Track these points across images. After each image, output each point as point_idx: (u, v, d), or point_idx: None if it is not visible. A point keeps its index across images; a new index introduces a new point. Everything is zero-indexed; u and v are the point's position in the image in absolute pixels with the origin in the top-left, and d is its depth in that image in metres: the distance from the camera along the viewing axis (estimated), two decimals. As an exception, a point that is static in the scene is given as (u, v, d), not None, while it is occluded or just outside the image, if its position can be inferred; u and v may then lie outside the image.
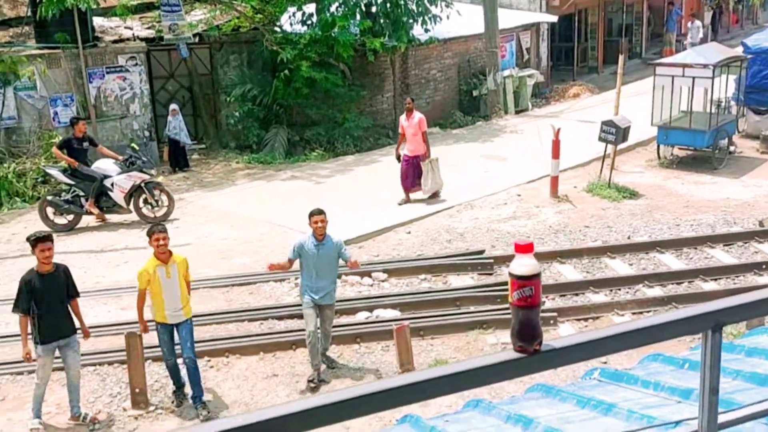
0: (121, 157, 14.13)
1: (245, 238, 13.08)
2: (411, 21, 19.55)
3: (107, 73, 17.67)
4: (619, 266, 11.57)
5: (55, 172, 14.21)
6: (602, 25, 27.43)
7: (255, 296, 10.95)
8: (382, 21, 19.27)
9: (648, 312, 10.14)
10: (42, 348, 7.74)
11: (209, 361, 9.15)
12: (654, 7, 30.06)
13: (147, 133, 18.20)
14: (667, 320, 2.06)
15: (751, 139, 17.83)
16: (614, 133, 14.29)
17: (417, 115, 13.94)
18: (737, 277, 11.09)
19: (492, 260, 11.58)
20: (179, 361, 8.44)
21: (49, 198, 13.95)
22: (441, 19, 19.87)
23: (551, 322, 9.86)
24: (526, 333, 1.85)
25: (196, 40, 18.91)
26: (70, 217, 13.89)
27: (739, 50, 18.18)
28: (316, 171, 17.23)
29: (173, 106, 17.65)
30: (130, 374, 8.44)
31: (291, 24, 19.60)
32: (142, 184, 13.89)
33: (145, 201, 14.01)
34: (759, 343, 3.66)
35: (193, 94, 19.70)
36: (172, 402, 8.44)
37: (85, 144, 14.10)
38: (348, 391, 1.58)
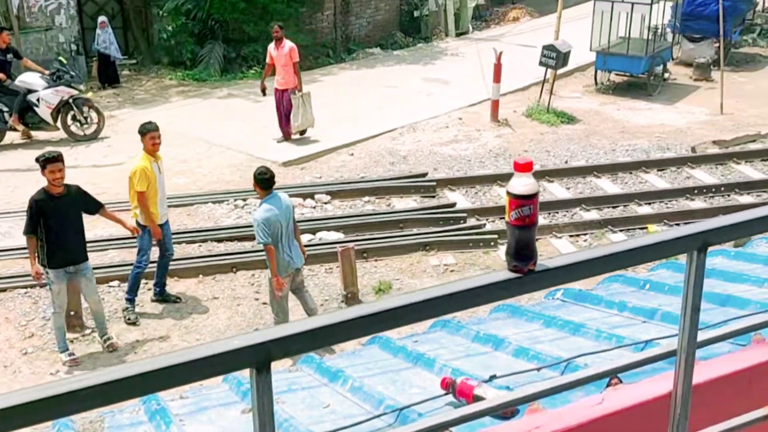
0: (47, 71, 13.50)
1: (182, 158, 12.73)
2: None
3: (30, -19, 16.67)
4: (557, 190, 11.72)
5: (-25, 86, 13.48)
6: (543, -53, 27.12)
7: (193, 218, 10.73)
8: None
9: (584, 235, 10.36)
10: (53, 273, 7.28)
11: (146, 283, 8.81)
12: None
13: (74, 47, 17.35)
14: (657, 240, 2.03)
15: (684, 66, 18.08)
16: (555, 57, 14.30)
17: (287, 44, 12.90)
18: (670, 201, 11.37)
19: (435, 183, 11.60)
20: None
21: (-29, 113, 13.28)
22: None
23: (491, 244, 10.01)
24: (522, 252, 1.78)
25: (125, -52, 17.98)
26: (-6, 133, 13.28)
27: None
28: (253, 89, 16.71)
29: (102, 19, 16.79)
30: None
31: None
32: (70, 100, 13.34)
33: (74, 117, 13.47)
34: (714, 264, 3.72)
35: (123, 6, 18.80)
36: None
37: (9, 56, 13.44)
38: (348, 311, 1.50)
